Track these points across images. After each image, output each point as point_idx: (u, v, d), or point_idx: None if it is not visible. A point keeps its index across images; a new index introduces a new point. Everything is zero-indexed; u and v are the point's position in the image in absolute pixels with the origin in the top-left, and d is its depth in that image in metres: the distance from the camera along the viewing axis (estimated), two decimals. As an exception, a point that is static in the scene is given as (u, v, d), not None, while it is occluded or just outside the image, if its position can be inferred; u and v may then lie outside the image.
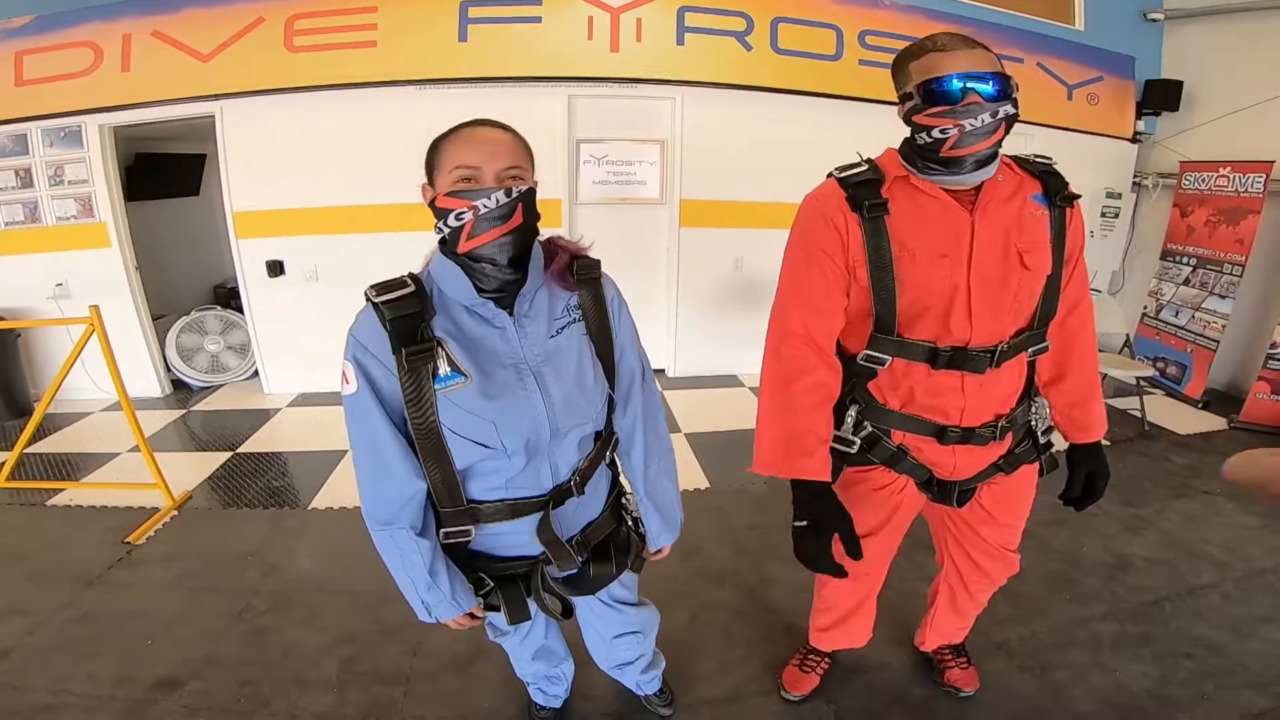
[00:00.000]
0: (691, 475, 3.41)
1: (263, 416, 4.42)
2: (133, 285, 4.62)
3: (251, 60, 4.16)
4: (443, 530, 1.19)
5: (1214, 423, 4.35)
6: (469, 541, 1.23)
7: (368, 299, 1.09)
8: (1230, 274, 4.61)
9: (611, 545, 1.39)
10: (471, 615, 1.25)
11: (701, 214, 4.73)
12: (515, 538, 1.25)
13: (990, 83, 1.16)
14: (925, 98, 1.19)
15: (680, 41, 4.34)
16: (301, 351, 4.74)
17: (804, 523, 1.35)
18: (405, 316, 1.06)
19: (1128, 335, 4.71)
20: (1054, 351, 1.46)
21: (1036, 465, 1.53)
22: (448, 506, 1.17)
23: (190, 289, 5.91)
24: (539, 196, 1.15)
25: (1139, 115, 5.37)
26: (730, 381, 5.00)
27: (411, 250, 4.60)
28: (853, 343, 1.42)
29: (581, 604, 1.55)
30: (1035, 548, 2.73)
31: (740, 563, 2.66)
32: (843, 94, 4.57)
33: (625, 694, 1.91)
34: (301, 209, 4.47)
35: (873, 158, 1.36)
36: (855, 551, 1.35)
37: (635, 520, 1.46)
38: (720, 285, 4.93)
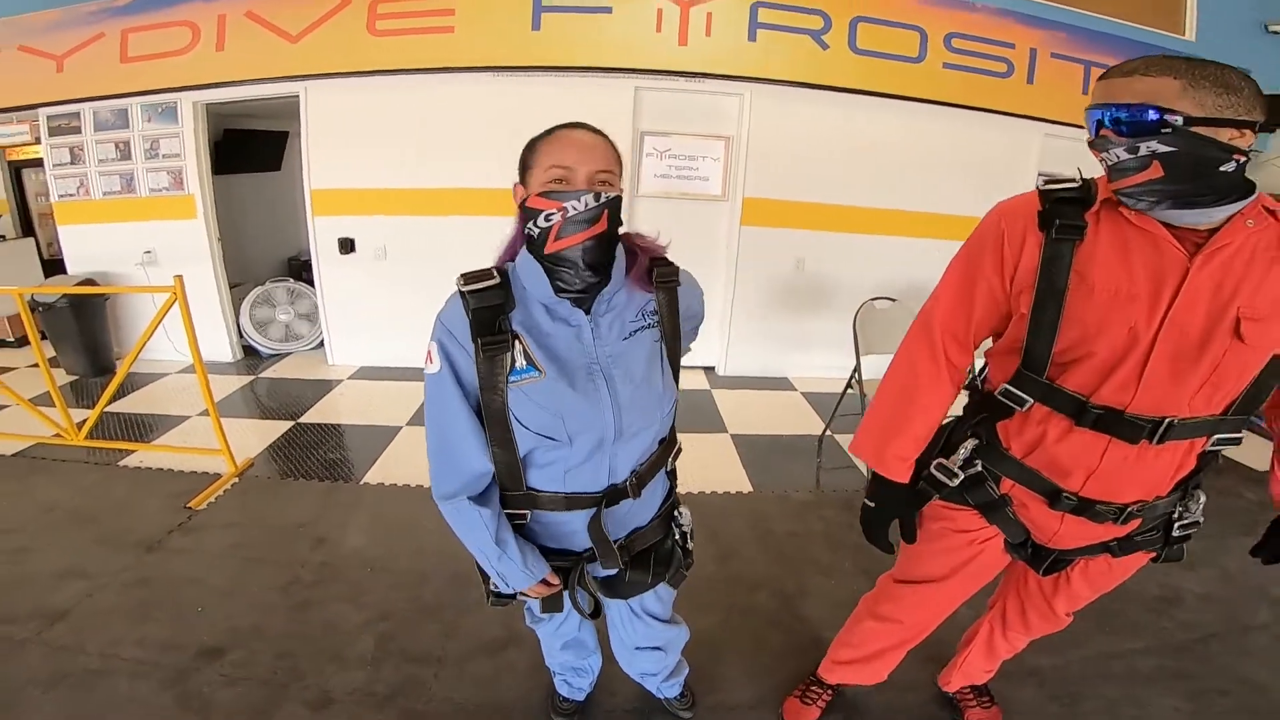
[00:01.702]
0: (734, 478, 3.37)
1: (325, 387, 4.59)
2: (214, 255, 4.88)
3: (336, 42, 4.30)
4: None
5: None
6: (523, 527, 1.27)
7: (457, 287, 1.14)
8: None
9: (654, 555, 1.39)
10: (546, 583, 1.28)
11: (764, 213, 4.65)
12: (565, 529, 1.28)
13: (1116, 117, 1.03)
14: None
15: (752, 37, 4.25)
16: (366, 326, 4.92)
17: (872, 503, 1.40)
18: (486, 308, 1.11)
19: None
20: None
21: (1152, 554, 1.36)
22: (509, 490, 1.22)
23: (266, 260, 6.20)
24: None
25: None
26: (781, 384, 4.90)
27: (478, 235, 4.67)
28: (996, 374, 1.29)
29: (612, 608, 1.57)
30: None
31: (778, 570, 2.62)
32: (923, 97, 4.40)
33: (647, 694, 1.91)
34: (375, 189, 4.60)
35: (1092, 178, 1.18)
36: (910, 536, 1.42)
37: (684, 534, 1.45)
38: (779, 286, 4.85)
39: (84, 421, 3.29)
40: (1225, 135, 0.99)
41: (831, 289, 4.77)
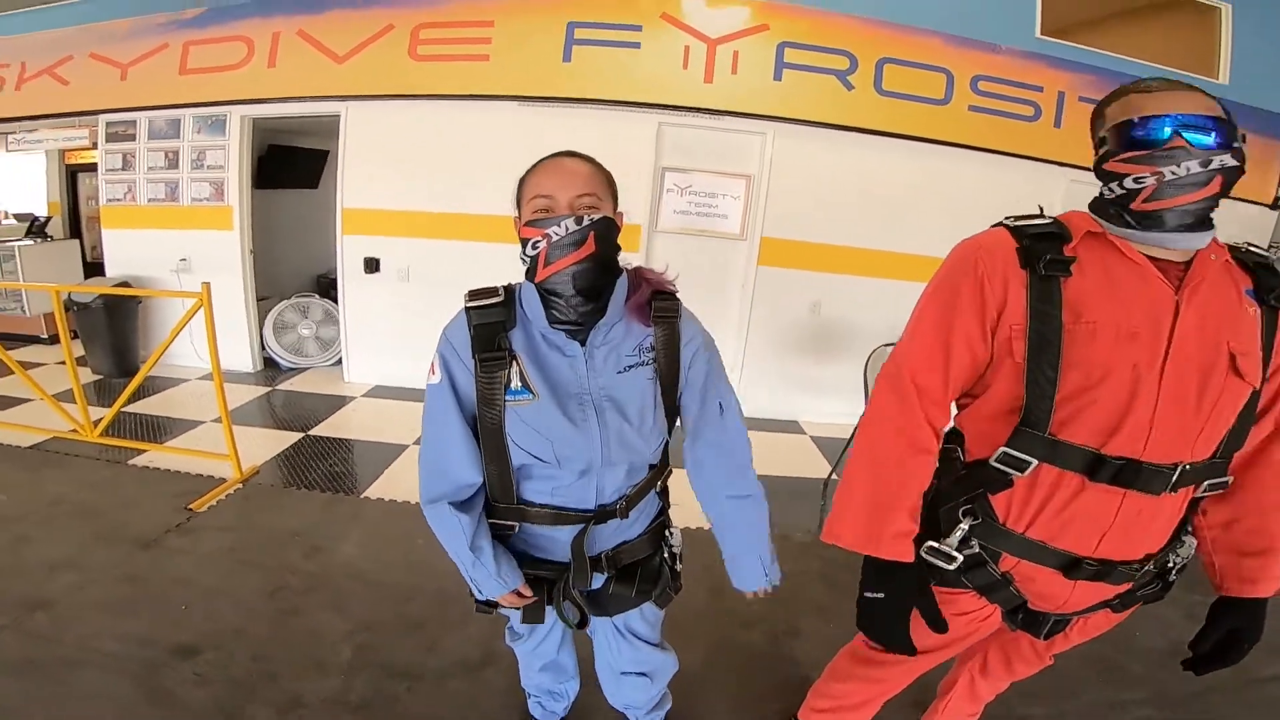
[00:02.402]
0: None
1: (339, 402, 4.65)
2: (245, 267, 5.03)
3: (379, 65, 4.50)
4: (490, 521, 1.25)
5: None
6: (509, 538, 1.29)
7: (464, 303, 1.20)
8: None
9: (640, 570, 1.37)
10: (519, 594, 1.28)
11: (782, 253, 4.64)
12: (550, 543, 1.29)
13: (1206, 130, 0.97)
14: (1120, 141, 1.02)
15: (778, 77, 4.31)
16: (383, 345, 5.01)
17: (880, 594, 1.20)
18: (487, 324, 1.15)
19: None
20: (1241, 486, 1.17)
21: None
22: (500, 502, 1.24)
23: (295, 276, 6.38)
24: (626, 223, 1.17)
25: (1283, 179, 4.88)
26: (791, 427, 4.82)
27: (500, 260, 4.77)
28: (981, 443, 1.18)
29: (597, 630, 1.53)
30: None
31: (771, 609, 2.51)
32: (948, 140, 4.40)
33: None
34: (403, 211, 4.73)
35: (1054, 215, 1.15)
36: (940, 626, 1.22)
37: (674, 555, 1.43)
38: (794, 328, 4.81)
39: (101, 419, 3.37)
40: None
41: (848, 334, 4.72)
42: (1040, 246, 1.08)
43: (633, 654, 1.54)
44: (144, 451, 3.57)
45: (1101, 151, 1.07)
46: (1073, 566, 1.14)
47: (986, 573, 1.20)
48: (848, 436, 3.57)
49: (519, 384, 1.14)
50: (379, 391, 4.94)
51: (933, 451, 1.18)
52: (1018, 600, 1.24)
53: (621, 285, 1.18)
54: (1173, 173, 0.97)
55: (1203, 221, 1.03)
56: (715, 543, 1.44)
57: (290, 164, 6.17)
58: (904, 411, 1.16)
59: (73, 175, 6.79)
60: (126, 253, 5.08)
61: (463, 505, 1.20)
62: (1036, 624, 1.26)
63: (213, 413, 4.14)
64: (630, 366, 1.19)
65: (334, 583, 2.52)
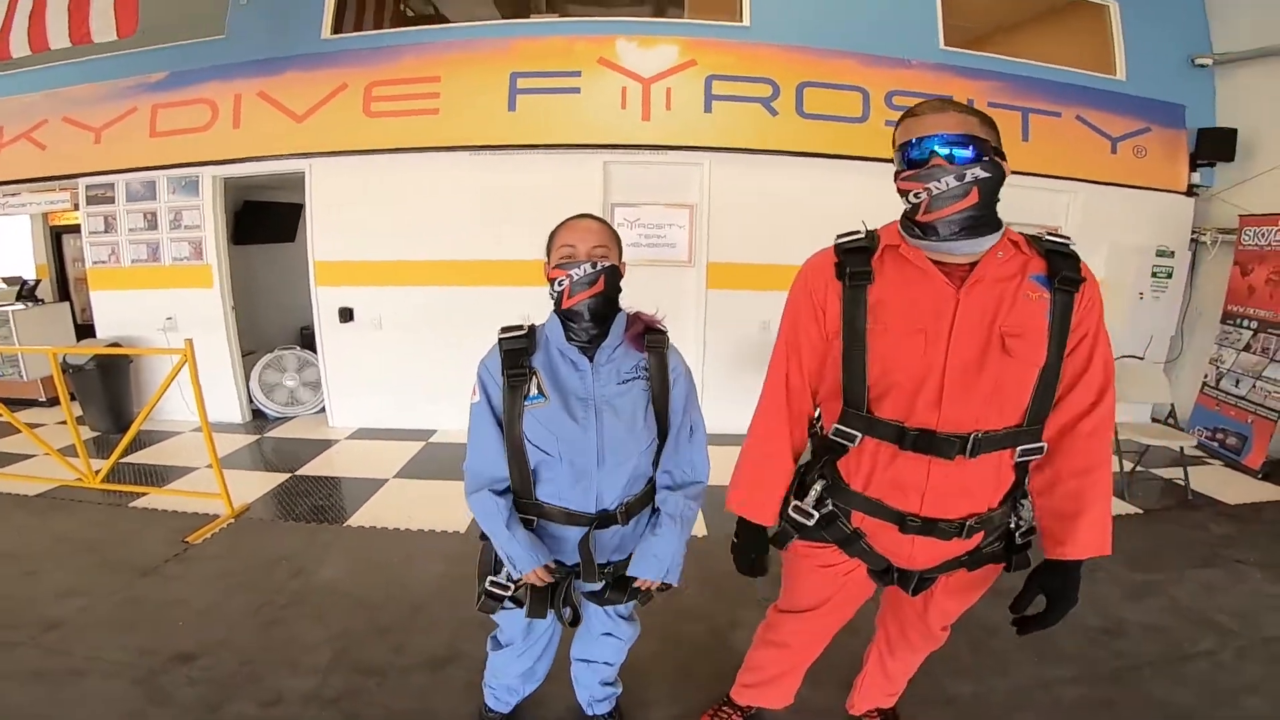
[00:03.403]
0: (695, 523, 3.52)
1: (324, 445, 4.91)
2: (228, 323, 5.28)
3: (336, 122, 4.79)
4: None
5: (1272, 493, 4.17)
6: (530, 528, 1.55)
7: (497, 337, 1.53)
8: (1293, 338, 4.35)
9: (632, 580, 1.62)
10: (548, 568, 1.54)
11: (729, 276, 4.90)
12: (561, 543, 1.57)
13: (954, 146, 1.15)
14: (901, 161, 1.22)
15: (708, 109, 4.63)
16: (363, 390, 5.25)
17: (738, 541, 1.57)
18: (513, 350, 1.49)
19: (1171, 405, 4.50)
20: (1050, 456, 1.35)
21: (1002, 564, 1.48)
22: (522, 498, 1.54)
23: (279, 329, 6.60)
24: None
25: (1193, 167, 5.18)
26: (749, 441, 5.06)
27: (463, 304, 5.13)
28: (827, 418, 1.44)
29: (586, 604, 1.81)
30: None
31: (716, 605, 2.76)
32: (868, 156, 4.68)
33: (574, 708, 2.07)
34: (370, 261, 5.00)
35: (875, 228, 1.37)
36: (764, 570, 1.57)
37: None
38: (747, 347, 5.04)
39: (101, 468, 3.67)
40: (1003, 166, 1.21)
41: None
42: (851, 260, 1.32)
43: (611, 624, 1.84)
44: (143, 494, 3.85)
45: (895, 172, 1.26)
46: (902, 521, 1.36)
47: (840, 528, 1.45)
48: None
49: (535, 391, 1.47)
50: (362, 433, 5.18)
51: (794, 438, 1.48)
52: (877, 559, 1.46)
53: (622, 318, 1.54)
54: (936, 188, 1.17)
55: (976, 228, 1.21)
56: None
57: (266, 219, 6.39)
58: (772, 408, 1.47)
59: (57, 237, 6.92)
60: (115, 314, 5.30)
61: (499, 493, 1.52)
62: (905, 579, 1.47)
63: (205, 459, 4.39)
64: (628, 380, 1.52)
65: (315, 599, 2.78)
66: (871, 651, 1.89)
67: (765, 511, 1.52)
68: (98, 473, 3.69)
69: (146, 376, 5.39)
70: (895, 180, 1.25)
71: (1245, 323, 4.75)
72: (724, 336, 5.02)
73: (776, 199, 4.78)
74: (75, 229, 5.88)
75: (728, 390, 5.00)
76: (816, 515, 1.45)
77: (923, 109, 1.21)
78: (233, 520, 3.53)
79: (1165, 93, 5.14)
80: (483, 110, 4.66)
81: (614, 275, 1.49)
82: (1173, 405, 4.49)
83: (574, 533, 1.55)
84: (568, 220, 1.53)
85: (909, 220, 1.26)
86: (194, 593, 2.82)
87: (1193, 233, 5.33)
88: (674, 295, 4.97)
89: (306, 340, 6.31)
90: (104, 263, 5.28)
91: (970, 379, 1.25)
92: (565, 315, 1.49)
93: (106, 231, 5.24)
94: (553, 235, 1.53)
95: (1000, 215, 1.26)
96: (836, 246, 1.36)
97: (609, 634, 1.85)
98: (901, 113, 1.28)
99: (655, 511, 1.63)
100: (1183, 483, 4.07)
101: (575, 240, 1.47)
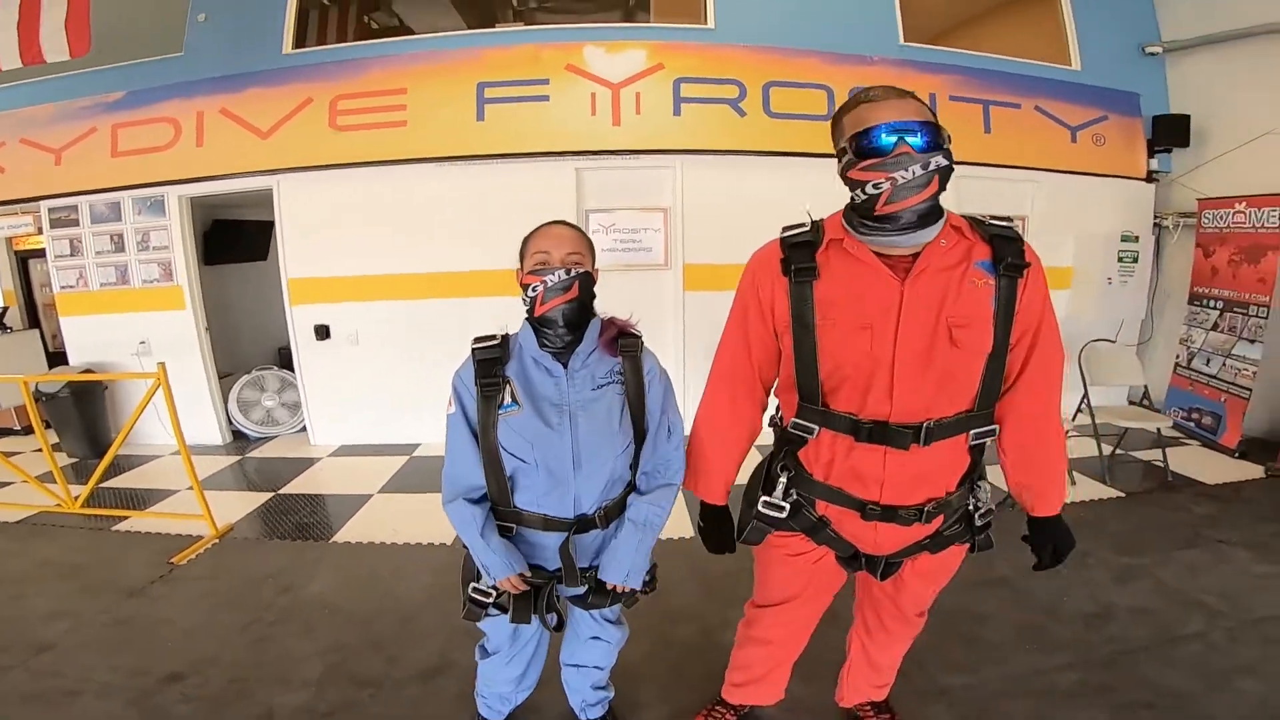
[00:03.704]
0: (680, 524, 3.52)
1: (306, 464, 4.87)
2: (202, 345, 5.22)
3: (302, 137, 4.75)
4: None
5: (1250, 471, 4.23)
6: (509, 537, 1.56)
7: (471, 347, 1.54)
8: (1257, 316, 4.49)
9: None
10: (522, 577, 1.54)
11: (705, 278, 4.93)
12: (541, 549, 1.58)
13: (919, 133, 1.13)
14: (857, 152, 1.17)
15: (677, 112, 4.67)
16: (343, 407, 5.22)
17: (703, 524, 1.65)
18: (486, 360, 1.50)
19: (1145, 387, 4.60)
20: (1006, 433, 1.40)
21: (966, 545, 1.52)
22: (500, 506, 1.54)
23: (256, 350, 6.52)
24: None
25: (1151, 153, 5.31)
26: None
27: (438, 317, 5.09)
28: (786, 410, 1.46)
29: (572, 608, 1.82)
30: (1010, 599, 2.72)
31: (706, 605, 2.76)
32: (835, 152, 4.73)
33: (567, 714, 2.07)
34: (344, 277, 4.97)
35: (821, 219, 1.35)
36: (723, 548, 1.64)
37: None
38: None
39: (80, 494, 3.63)
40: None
41: None
42: (796, 255, 1.31)
43: (599, 627, 1.85)
44: (125, 518, 3.81)
45: (844, 161, 1.22)
46: (863, 509, 1.39)
47: (805, 516, 1.48)
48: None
49: (509, 399, 1.47)
50: (345, 450, 5.15)
51: (742, 426, 1.54)
52: (844, 545, 1.49)
53: (595, 324, 1.54)
54: (902, 176, 1.13)
55: (926, 218, 1.20)
56: (661, 552, 1.71)
57: (237, 238, 6.32)
58: (718, 400, 1.53)
59: (23, 262, 6.79)
60: (87, 339, 5.21)
61: (475, 501, 1.53)
62: (872, 565, 1.50)
63: (186, 482, 4.35)
64: (603, 385, 1.52)
65: (304, 614, 2.77)
66: (853, 638, 1.89)
67: (717, 492, 1.60)
68: (77, 498, 3.65)
69: (123, 401, 5.33)
70: (846, 171, 1.21)
71: (1211, 303, 4.87)
72: (703, 338, 4.96)
73: (749, 199, 4.81)
74: (41, 253, 5.75)
75: (706, 392, 5.12)
76: (788, 507, 1.47)
77: (877, 94, 1.19)
78: (217, 540, 3.50)
79: (1119, 81, 5.27)
80: (451, 121, 4.66)
81: (588, 281, 1.50)
82: (1146, 387, 4.60)
83: (553, 538, 1.55)
84: (541, 227, 1.53)
85: (856, 213, 1.25)
86: (181, 612, 2.80)
87: (1155, 218, 5.46)
88: (652, 299, 4.99)
89: (284, 360, 6.22)
90: (72, 287, 5.19)
91: (919, 370, 1.26)
92: (538, 322, 1.49)
93: (73, 255, 5.15)
94: (526, 241, 1.53)
95: (968, 207, 1.28)
96: (782, 241, 1.36)
97: (597, 637, 1.85)
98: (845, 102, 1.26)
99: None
100: (1162, 464, 4.12)
101: (549, 246, 1.48)
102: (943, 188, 1.19)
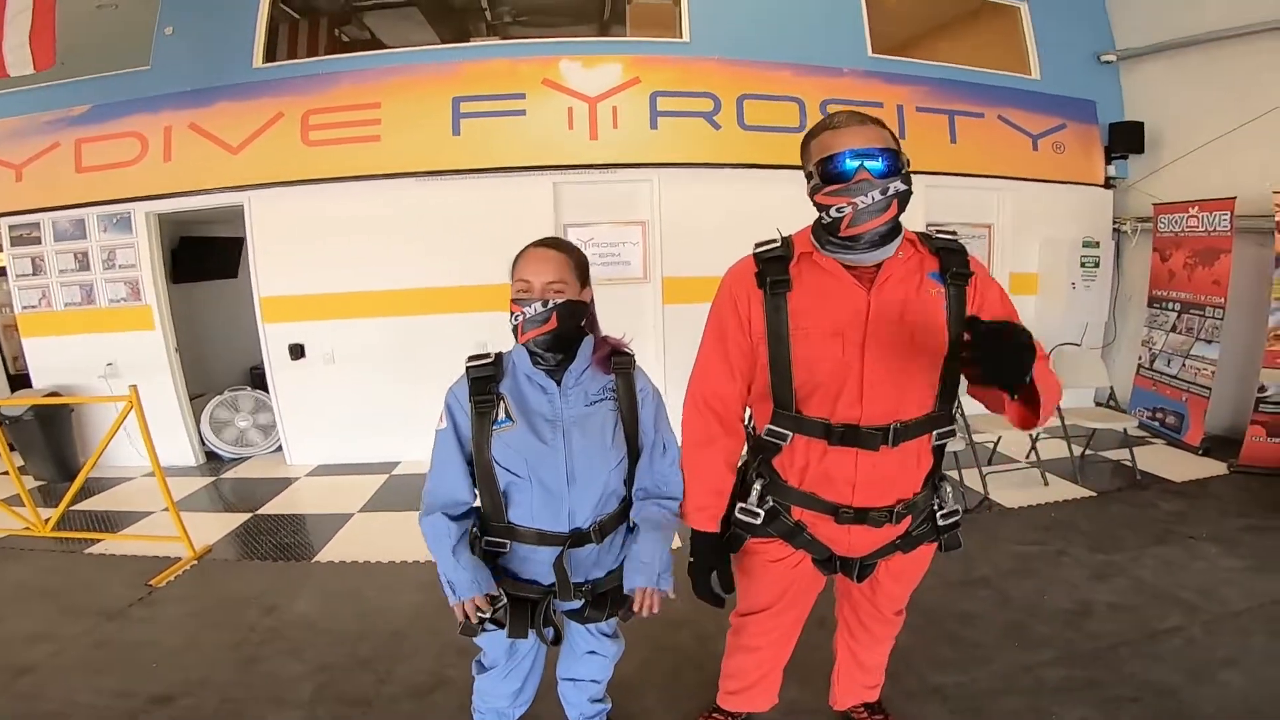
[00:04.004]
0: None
1: (283, 484, 4.78)
2: (172, 366, 5.09)
3: (274, 153, 4.68)
4: (485, 538, 1.56)
5: (1214, 468, 4.35)
6: (503, 554, 1.57)
7: (465, 365, 1.54)
8: (1212, 317, 4.65)
9: (610, 598, 1.64)
10: (490, 599, 1.50)
11: (683, 290, 4.96)
12: (535, 565, 1.57)
13: (879, 158, 1.19)
14: (822, 176, 1.24)
15: (654, 125, 4.72)
16: (320, 427, 5.12)
17: (692, 559, 1.60)
18: (481, 378, 1.51)
19: (1110, 388, 4.74)
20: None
21: (935, 544, 1.58)
22: (494, 522, 1.55)
23: (227, 370, 6.34)
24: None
25: (1109, 160, 5.49)
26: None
27: (414, 334, 5.03)
28: (759, 419, 1.51)
29: (569, 623, 1.81)
30: (992, 598, 2.79)
31: (699, 613, 2.68)
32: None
33: None
34: (318, 294, 4.89)
35: (790, 235, 1.43)
36: (729, 586, 1.60)
37: None
38: None
39: (51, 517, 3.54)
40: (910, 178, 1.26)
41: None
42: (770, 268, 1.39)
43: (595, 641, 1.84)
44: (98, 541, 3.72)
45: (811, 184, 1.31)
46: (836, 512, 1.45)
47: (782, 522, 1.53)
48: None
49: (503, 415, 1.49)
50: (322, 470, 5.07)
51: (724, 442, 1.53)
52: (820, 549, 1.54)
53: (588, 342, 1.55)
54: (863, 201, 1.21)
55: (885, 237, 1.29)
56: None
57: (206, 255, 6.16)
58: (697, 419, 1.54)
59: None
60: (51, 360, 5.05)
61: (454, 518, 1.51)
62: (848, 567, 1.56)
63: (159, 504, 4.25)
64: (596, 401, 1.53)
65: (291, 634, 2.72)
66: (839, 641, 1.94)
67: (704, 517, 1.56)
68: (47, 521, 3.55)
69: (91, 422, 5.17)
70: (813, 195, 1.30)
71: (1170, 305, 5.02)
72: (683, 351, 4.93)
73: (725, 211, 4.86)
74: (0, 272, 5.57)
75: (685, 405, 5.14)
76: (762, 513, 1.52)
77: (840, 121, 1.26)
78: (195, 562, 3.43)
79: (1077, 89, 5.44)
80: (426, 135, 4.64)
81: (568, 312, 1.47)
82: (1112, 388, 4.73)
83: (548, 553, 1.54)
84: (528, 248, 1.51)
85: (825, 231, 1.32)
86: (164, 634, 2.75)
87: (1114, 223, 5.64)
88: (632, 312, 5.01)
89: (256, 380, 6.10)
90: (34, 307, 5.03)
91: (886, 374, 1.33)
92: (527, 346, 1.50)
93: (35, 274, 4.99)
94: (515, 261, 1.52)
95: (936, 216, 1.34)
96: (756, 255, 1.43)
97: (593, 652, 1.85)
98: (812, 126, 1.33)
99: (632, 527, 1.62)
100: (1130, 463, 4.23)
101: (530, 274, 1.45)
102: (901, 210, 1.26)
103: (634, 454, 1.59)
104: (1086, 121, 5.46)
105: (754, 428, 1.57)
